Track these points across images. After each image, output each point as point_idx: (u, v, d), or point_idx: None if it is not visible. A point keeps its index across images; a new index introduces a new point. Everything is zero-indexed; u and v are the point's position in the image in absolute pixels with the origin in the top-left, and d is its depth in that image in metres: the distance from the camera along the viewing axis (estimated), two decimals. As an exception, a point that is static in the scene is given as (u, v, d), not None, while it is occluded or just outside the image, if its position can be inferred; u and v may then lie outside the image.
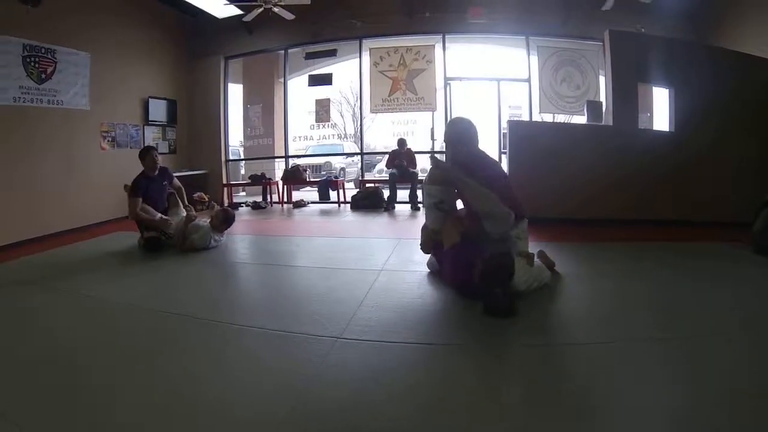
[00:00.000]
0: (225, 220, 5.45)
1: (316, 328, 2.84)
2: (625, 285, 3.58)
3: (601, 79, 7.69)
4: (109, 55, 7.83)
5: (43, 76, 6.72)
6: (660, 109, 6.95)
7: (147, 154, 5.68)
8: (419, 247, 3.94)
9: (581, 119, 7.47)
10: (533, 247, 3.78)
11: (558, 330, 2.84)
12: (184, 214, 5.66)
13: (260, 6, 7.69)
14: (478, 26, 8.00)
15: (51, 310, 3.47)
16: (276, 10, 7.73)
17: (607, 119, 6.17)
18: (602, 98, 7.22)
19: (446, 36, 8.31)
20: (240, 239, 6.05)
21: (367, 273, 3.98)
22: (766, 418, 1.79)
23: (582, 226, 5.65)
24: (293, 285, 4.10)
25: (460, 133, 3.67)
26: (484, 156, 3.69)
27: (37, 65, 6.62)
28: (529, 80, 8.04)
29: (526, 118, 8.08)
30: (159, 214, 5.48)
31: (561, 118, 8.56)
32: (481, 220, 3.31)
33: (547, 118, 8.39)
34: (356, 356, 2.48)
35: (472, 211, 3.47)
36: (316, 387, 2.15)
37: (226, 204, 9.48)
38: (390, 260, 4.43)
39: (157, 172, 5.69)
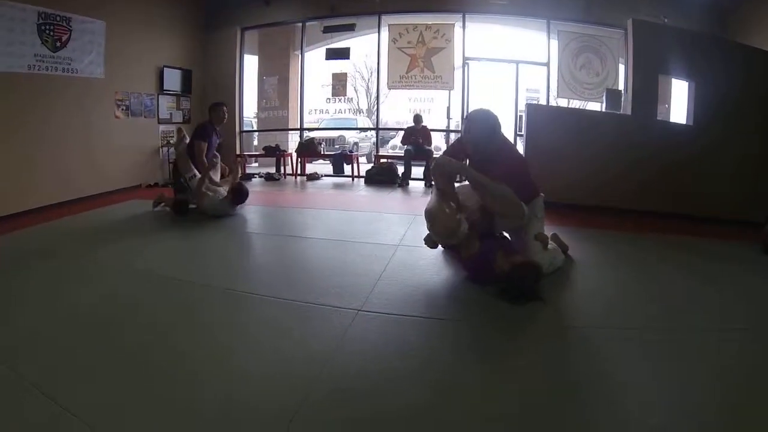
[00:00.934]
0: (237, 194, 5.57)
1: (338, 300, 2.96)
2: (635, 275, 3.64)
3: (621, 68, 7.69)
4: (124, 23, 7.81)
5: (58, 44, 6.72)
6: (677, 102, 6.99)
7: (218, 107, 6.08)
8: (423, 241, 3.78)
9: (597, 106, 7.54)
10: (547, 230, 3.80)
11: (572, 313, 2.91)
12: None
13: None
14: (499, 7, 7.96)
15: (71, 279, 3.52)
16: None
17: (626, 108, 6.18)
18: (621, 87, 7.26)
19: (466, 15, 8.26)
20: (255, 210, 6.14)
21: (384, 248, 4.07)
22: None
23: (594, 213, 5.75)
24: (312, 257, 4.21)
25: (481, 129, 3.40)
26: (502, 147, 3.50)
27: (52, 33, 6.61)
28: (548, 64, 8.00)
29: (543, 101, 8.10)
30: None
31: (576, 104, 8.57)
32: (493, 217, 3.38)
33: (564, 103, 8.38)
34: (377, 329, 2.60)
35: (485, 206, 3.43)
36: (338, 358, 2.27)
37: (239, 174, 9.58)
38: (407, 236, 4.50)
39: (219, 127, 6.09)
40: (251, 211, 6.00)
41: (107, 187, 7.63)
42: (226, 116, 6.14)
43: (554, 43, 7.99)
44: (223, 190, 5.64)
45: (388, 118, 14.56)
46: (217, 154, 6.23)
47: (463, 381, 2.10)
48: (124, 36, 7.79)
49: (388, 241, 4.14)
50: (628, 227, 5.21)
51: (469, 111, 4.05)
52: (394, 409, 1.88)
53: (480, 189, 3.24)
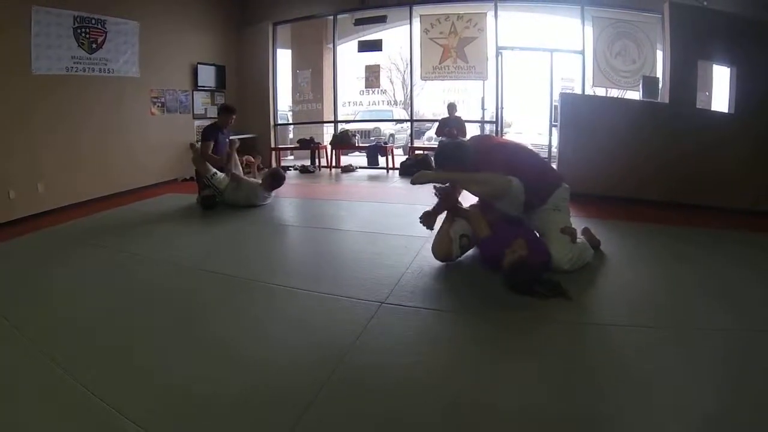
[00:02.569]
0: (274, 181, 5.81)
1: (363, 292, 3.01)
2: (671, 269, 3.48)
3: (659, 54, 7.38)
4: (157, 23, 8.06)
5: (94, 45, 7.00)
6: (720, 89, 6.70)
7: (227, 112, 6.40)
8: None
9: (635, 95, 7.28)
10: (578, 224, 3.76)
11: (598, 309, 2.84)
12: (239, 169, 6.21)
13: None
14: None
15: (104, 270, 3.78)
16: None
17: (663, 96, 6.00)
18: (659, 74, 7.02)
19: (498, 4, 8.11)
20: (289, 202, 6.31)
21: (413, 240, 4.07)
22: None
23: (630, 204, 5.57)
24: (341, 248, 4.31)
25: (453, 166, 3.52)
26: (483, 156, 3.51)
27: (87, 35, 6.89)
28: (582, 52, 7.78)
29: (578, 91, 7.89)
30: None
31: (614, 93, 8.33)
32: (496, 209, 3.40)
33: (600, 92, 8.14)
34: (398, 321, 2.63)
35: (483, 203, 3.55)
36: (356, 350, 2.32)
37: (274, 167, 9.71)
38: (437, 228, 4.45)
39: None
40: (285, 203, 6.18)
41: (144, 181, 7.96)
42: (232, 121, 6.46)
43: (589, 30, 7.76)
44: (252, 180, 5.95)
45: (425, 110, 14.54)
46: (234, 142, 6.51)
47: (476, 376, 2.13)
48: (157, 35, 8.04)
49: (419, 233, 4.08)
50: (668, 220, 4.99)
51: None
52: (409, 402, 1.93)
53: (459, 184, 3.58)
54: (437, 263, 3.51)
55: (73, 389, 2.04)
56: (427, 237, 3.90)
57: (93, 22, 6.95)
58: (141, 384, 2.10)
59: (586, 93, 7.67)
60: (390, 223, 4.83)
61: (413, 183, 3.60)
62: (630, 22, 7.64)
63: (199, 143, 6.41)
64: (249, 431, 1.78)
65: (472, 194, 3.50)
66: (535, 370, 2.13)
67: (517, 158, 3.53)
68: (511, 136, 11.31)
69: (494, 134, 8.38)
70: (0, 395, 2.06)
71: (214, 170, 5.93)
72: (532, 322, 2.63)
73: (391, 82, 16.51)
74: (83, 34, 6.82)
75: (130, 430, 1.77)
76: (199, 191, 6.14)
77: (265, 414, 1.87)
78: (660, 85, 6.37)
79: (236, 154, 6.40)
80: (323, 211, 5.81)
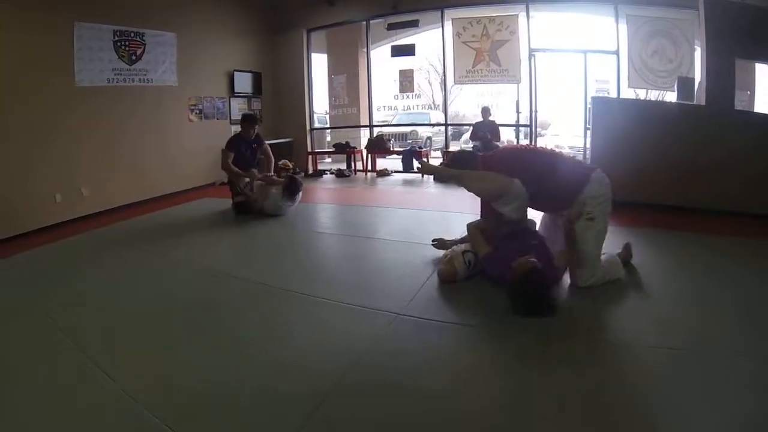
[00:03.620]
0: (291, 189, 5.89)
1: (381, 302, 3.05)
2: (706, 285, 3.24)
3: (697, 53, 6.98)
4: (194, 33, 8.36)
5: (134, 57, 7.34)
6: (764, 89, 6.46)
7: (247, 121, 6.40)
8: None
9: (674, 96, 7.07)
10: (616, 236, 3.66)
11: (622, 327, 2.72)
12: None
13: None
14: None
15: (139, 272, 4.05)
16: None
17: (699, 97, 5.76)
18: (697, 74, 6.79)
19: (530, 5, 7.98)
20: (321, 208, 6.48)
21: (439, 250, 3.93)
22: None
23: (666, 212, 5.33)
24: (367, 257, 4.34)
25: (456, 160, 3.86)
26: (501, 154, 3.72)
27: (127, 48, 7.22)
28: (617, 52, 7.56)
29: (613, 92, 7.68)
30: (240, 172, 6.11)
31: (653, 95, 8.08)
32: (500, 216, 3.28)
33: (639, 93, 7.93)
34: (411, 334, 2.65)
35: (487, 208, 3.42)
36: (363, 362, 2.38)
37: (311, 171, 9.88)
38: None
39: (252, 137, 6.35)
40: (317, 209, 6.34)
41: (183, 185, 8.31)
42: (255, 130, 6.43)
43: (623, 29, 7.52)
44: (274, 189, 5.95)
45: (465, 111, 14.43)
46: (261, 157, 6.57)
47: (485, 389, 2.15)
48: (194, 45, 8.35)
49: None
50: (705, 229, 4.71)
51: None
52: (411, 407, 2.01)
53: (459, 181, 3.46)
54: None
55: (104, 385, 2.26)
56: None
57: (132, 35, 7.29)
58: (166, 382, 2.30)
59: (620, 94, 7.46)
60: (419, 231, 4.76)
61: (418, 172, 3.78)
62: (666, 20, 7.33)
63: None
64: (262, 429, 1.93)
65: (474, 193, 3.39)
66: (549, 391, 2.09)
67: (528, 159, 3.41)
68: (548, 138, 11.18)
69: (528, 140, 8.33)
70: (36, 386, 2.32)
71: (241, 173, 6.07)
72: (551, 338, 2.55)
73: (430, 84, 16.53)
74: (123, 47, 7.16)
75: (154, 426, 1.93)
76: (233, 197, 6.30)
77: (277, 413, 2.00)
78: (696, 86, 6.12)
79: (271, 167, 6.56)
80: (354, 218, 5.89)
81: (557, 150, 3.70)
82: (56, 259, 4.67)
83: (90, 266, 4.27)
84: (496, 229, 3.36)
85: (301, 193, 6.09)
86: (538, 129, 10.94)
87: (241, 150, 6.25)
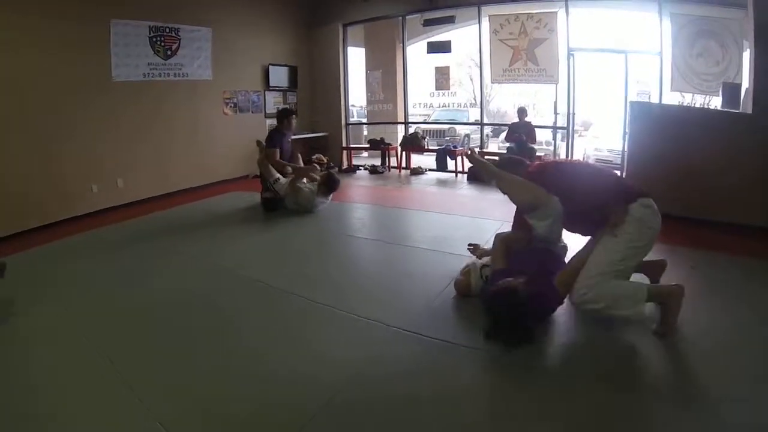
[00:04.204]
0: (328, 187, 6.01)
1: (389, 315, 3.01)
2: (742, 316, 2.91)
3: (746, 55, 6.42)
4: (229, 28, 8.49)
5: (169, 52, 7.55)
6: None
7: (290, 116, 6.54)
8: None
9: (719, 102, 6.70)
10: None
11: (648, 373, 2.41)
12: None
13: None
14: None
15: (160, 267, 4.27)
16: None
17: (746, 105, 5.36)
18: (744, 78, 6.40)
19: (569, 2, 7.63)
20: (350, 207, 6.48)
21: (463, 260, 3.75)
22: None
23: (701, 227, 4.96)
24: (387, 264, 4.26)
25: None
26: (542, 166, 3.29)
27: (162, 43, 7.43)
28: (660, 53, 7.09)
29: (655, 95, 7.26)
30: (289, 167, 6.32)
31: (698, 99, 7.58)
32: (530, 229, 3.07)
33: (684, 97, 7.42)
34: (412, 353, 2.60)
35: (519, 216, 3.24)
36: (359, 380, 2.36)
37: (345, 166, 9.88)
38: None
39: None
40: (343, 208, 6.33)
41: (217, 177, 8.58)
42: (294, 123, 6.61)
43: (667, 29, 7.05)
44: (308, 185, 6.05)
45: (507, 108, 14.11)
46: (297, 154, 6.72)
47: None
48: (229, 39, 8.48)
49: (469, 253, 3.95)
50: (747, 249, 4.28)
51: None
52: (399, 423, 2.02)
53: (501, 182, 3.22)
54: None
55: (114, 381, 2.42)
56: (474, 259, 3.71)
57: (167, 30, 7.50)
58: (163, 382, 2.41)
59: (663, 98, 7.04)
60: (447, 239, 4.64)
61: (467, 157, 3.64)
62: (713, 19, 6.81)
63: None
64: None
65: (510, 198, 3.17)
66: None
67: (570, 176, 3.08)
68: (588, 139, 10.87)
69: (565, 142, 8.10)
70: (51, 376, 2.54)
71: (277, 176, 6.15)
72: (565, 378, 2.36)
73: (471, 80, 15.91)
74: (158, 42, 7.38)
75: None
76: (262, 192, 6.42)
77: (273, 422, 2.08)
78: (742, 93, 5.73)
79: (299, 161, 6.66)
80: (381, 220, 5.88)
81: (603, 167, 3.44)
82: (84, 250, 4.94)
83: (113, 259, 4.52)
84: (524, 245, 3.16)
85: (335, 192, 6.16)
86: (579, 129, 10.68)
87: (283, 144, 6.39)
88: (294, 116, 6.60)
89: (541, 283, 2.74)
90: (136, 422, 2.10)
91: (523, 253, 3.08)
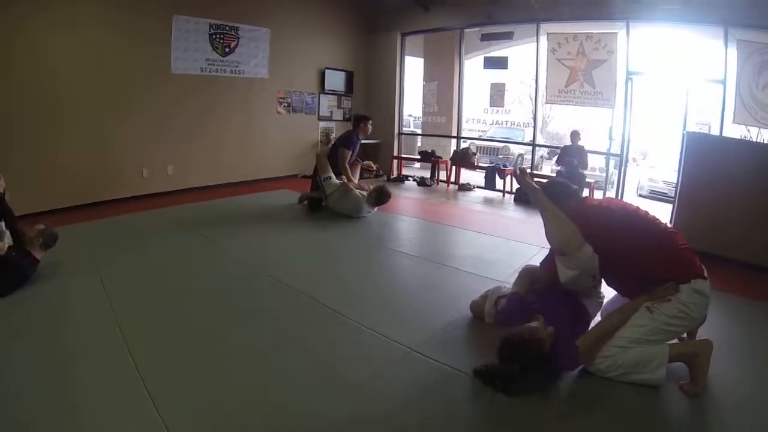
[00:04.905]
0: (378, 198, 6.03)
1: (401, 333, 2.96)
2: None
3: None
4: (287, 30, 8.75)
5: (227, 49, 7.88)
6: None
7: (365, 122, 6.66)
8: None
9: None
10: None
11: None
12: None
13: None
14: (670, 12, 6.85)
15: (193, 256, 4.49)
16: None
17: None
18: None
19: (630, 23, 7.35)
20: (393, 218, 6.44)
21: (490, 284, 3.59)
22: None
23: (759, 273, 4.56)
24: (412, 280, 4.17)
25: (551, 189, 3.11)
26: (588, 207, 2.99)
27: (221, 41, 7.75)
28: (724, 82, 6.69)
29: (715, 127, 6.85)
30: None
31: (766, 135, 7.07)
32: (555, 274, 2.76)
33: (750, 131, 6.97)
34: (412, 374, 2.54)
35: (551, 255, 2.91)
36: (358, 397, 2.34)
37: (394, 175, 9.90)
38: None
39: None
40: (386, 218, 6.32)
41: (265, 174, 8.85)
42: (371, 129, 6.68)
43: (733, 57, 6.65)
44: (358, 193, 6.10)
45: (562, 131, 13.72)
46: (359, 159, 6.87)
47: None
48: (287, 40, 8.76)
49: (499, 277, 3.85)
50: None
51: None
52: None
53: (540, 210, 2.87)
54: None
55: (128, 365, 2.50)
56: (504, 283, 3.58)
57: (227, 29, 7.84)
58: (172, 379, 2.42)
59: (723, 130, 6.64)
60: (480, 260, 4.51)
61: (516, 178, 3.29)
62: None
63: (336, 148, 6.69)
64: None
65: (545, 231, 2.82)
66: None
67: (614, 226, 2.71)
68: (643, 168, 10.50)
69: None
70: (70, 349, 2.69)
71: (330, 174, 6.21)
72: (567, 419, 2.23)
73: (531, 99, 15.40)
74: (218, 39, 7.74)
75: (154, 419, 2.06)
76: (311, 190, 6.60)
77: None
78: None
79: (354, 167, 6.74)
80: (419, 235, 5.81)
81: (660, 222, 2.79)
82: (125, 231, 5.29)
83: (150, 242, 4.85)
84: (545, 288, 2.94)
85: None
86: (636, 158, 10.31)
87: (355, 147, 6.57)
88: (370, 122, 6.72)
89: (563, 343, 2.52)
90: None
91: (552, 296, 2.84)
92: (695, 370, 2.44)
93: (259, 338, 2.90)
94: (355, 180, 6.58)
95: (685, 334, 2.81)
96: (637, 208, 2.89)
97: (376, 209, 6.20)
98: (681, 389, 2.43)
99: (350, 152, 6.40)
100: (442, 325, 3.12)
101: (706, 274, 2.53)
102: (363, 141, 6.88)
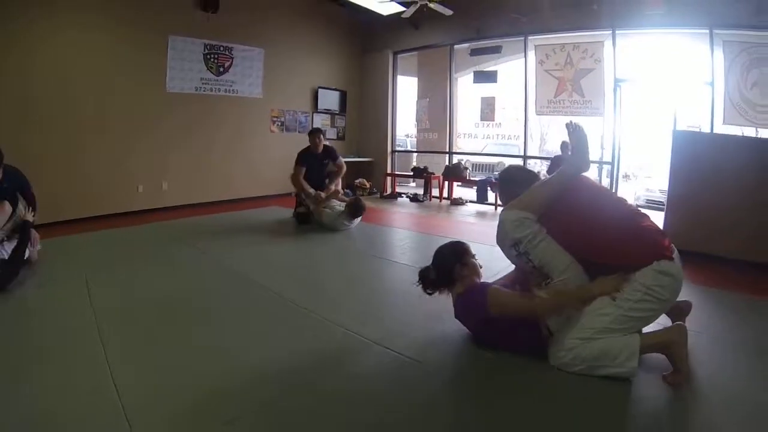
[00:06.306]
0: (353, 211, 6.05)
1: (360, 325, 2.95)
2: None
3: None
4: (281, 50, 8.85)
5: (221, 69, 7.96)
6: None
7: (313, 134, 6.58)
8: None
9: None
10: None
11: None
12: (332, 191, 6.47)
13: (416, 2, 7.80)
14: (654, 19, 6.89)
15: (178, 263, 4.50)
16: (432, 6, 7.77)
17: None
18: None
19: (616, 31, 7.39)
20: (381, 229, 6.48)
21: None
22: None
23: (751, 272, 4.39)
24: (393, 283, 4.10)
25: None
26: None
27: (216, 61, 7.84)
28: (712, 83, 6.66)
29: (706, 129, 6.73)
30: (312, 190, 6.33)
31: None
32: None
33: (744, 132, 6.58)
34: (374, 365, 2.50)
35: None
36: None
37: (387, 193, 9.86)
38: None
39: (319, 151, 6.49)
40: (372, 230, 6.31)
41: (258, 192, 8.88)
42: (321, 142, 6.51)
43: (719, 58, 6.64)
44: (335, 207, 6.15)
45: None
46: (333, 170, 6.69)
47: None
48: (281, 60, 8.86)
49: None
50: None
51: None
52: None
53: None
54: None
55: (103, 364, 2.43)
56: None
57: (221, 49, 7.94)
58: (144, 377, 2.35)
59: (714, 132, 6.54)
60: None
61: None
62: None
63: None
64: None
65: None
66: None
67: (586, 213, 2.55)
68: (641, 179, 10.45)
69: (610, 179, 7.74)
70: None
71: (311, 191, 6.29)
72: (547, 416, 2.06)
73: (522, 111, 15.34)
74: (212, 59, 7.83)
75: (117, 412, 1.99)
76: (296, 206, 6.60)
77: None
78: None
79: (337, 178, 6.70)
80: (405, 244, 5.68)
81: (628, 204, 2.68)
82: (117, 242, 5.30)
83: (138, 253, 4.81)
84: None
85: (361, 217, 6.19)
86: (632, 173, 10.24)
87: (310, 163, 6.45)
88: (320, 134, 6.57)
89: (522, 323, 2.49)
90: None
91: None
92: (673, 359, 2.30)
93: (226, 335, 2.89)
94: (331, 192, 6.47)
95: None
96: (607, 189, 2.82)
97: (355, 221, 6.19)
98: (664, 380, 2.28)
99: (302, 168, 6.38)
100: (410, 320, 3.05)
101: (674, 254, 2.41)
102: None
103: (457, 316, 2.72)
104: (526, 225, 2.49)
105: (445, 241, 2.98)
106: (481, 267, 2.82)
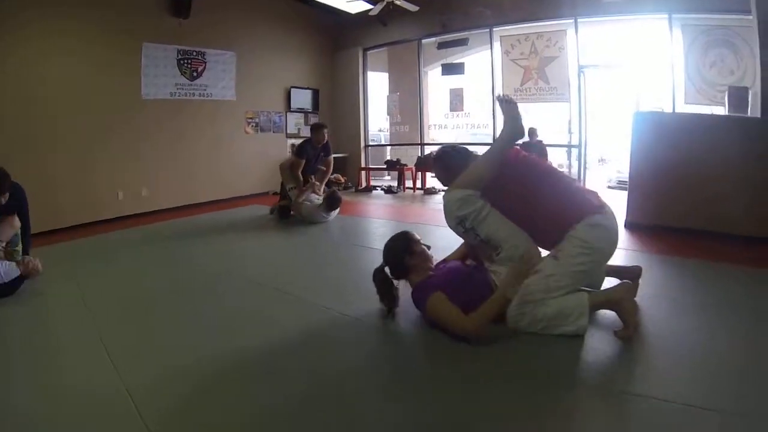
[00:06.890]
0: (330, 204, 6.16)
1: (340, 304, 3.09)
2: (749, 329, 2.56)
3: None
4: (253, 52, 8.92)
5: (195, 74, 7.98)
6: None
7: (319, 129, 6.58)
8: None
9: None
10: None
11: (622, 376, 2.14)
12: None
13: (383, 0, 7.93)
14: (614, 6, 7.09)
15: (161, 262, 4.63)
16: (398, 2, 7.95)
17: (755, 109, 5.08)
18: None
19: (578, 20, 7.57)
20: (358, 220, 6.62)
21: None
22: None
23: (708, 239, 4.56)
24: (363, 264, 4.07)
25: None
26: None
27: (189, 65, 7.86)
28: (672, 66, 6.87)
29: (668, 110, 6.86)
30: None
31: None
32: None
33: (697, 110, 6.75)
34: (352, 335, 2.69)
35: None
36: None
37: (362, 186, 9.96)
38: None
39: (320, 145, 6.58)
40: (350, 221, 6.43)
41: (236, 193, 8.90)
42: (326, 137, 6.59)
43: (679, 40, 6.83)
44: (312, 200, 6.26)
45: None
46: (321, 168, 6.78)
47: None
48: (252, 62, 8.91)
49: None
50: (751, 260, 3.84)
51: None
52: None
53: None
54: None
55: (101, 350, 2.55)
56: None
57: (194, 54, 7.97)
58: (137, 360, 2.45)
59: (672, 111, 6.74)
60: (435, 247, 4.48)
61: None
62: (725, 27, 6.45)
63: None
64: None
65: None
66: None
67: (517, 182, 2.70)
68: (612, 165, 10.62)
69: (578, 162, 7.90)
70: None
71: (294, 183, 6.37)
72: (533, 382, 2.11)
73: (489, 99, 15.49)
74: (185, 65, 7.85)
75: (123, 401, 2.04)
76: (279, 200, 6.71)
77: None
78: (749, 96, 5.42)
79: (326, 176, 6.87)
80: (381, 232, 5.76)
81: (560, 172, 2.88)
82: (103, 247, 5.37)
83: (124, 254, 4.91)
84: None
85: (338, 209, 6.32)
86: (604, 158, 10.43)
87: (309, 156, 6.50)
88: (324, 129, 6.61)
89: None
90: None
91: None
92: (623, 315, 2.45)
93: (209, 317, 3.04)
94: (321, 187, 6.61)
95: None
96: (539, 159, 2.98)
97: (333, 214, 6.29)
98: (615, 335, 2.42)
99: (302, 161, 6.39)
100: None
101: (606, 209, 2.60)
102: (335, 155, 6.97)
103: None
104: (470, 202, 2.60)
105: (398, 231, 3.09)
106: (429, 248, 2.93)
